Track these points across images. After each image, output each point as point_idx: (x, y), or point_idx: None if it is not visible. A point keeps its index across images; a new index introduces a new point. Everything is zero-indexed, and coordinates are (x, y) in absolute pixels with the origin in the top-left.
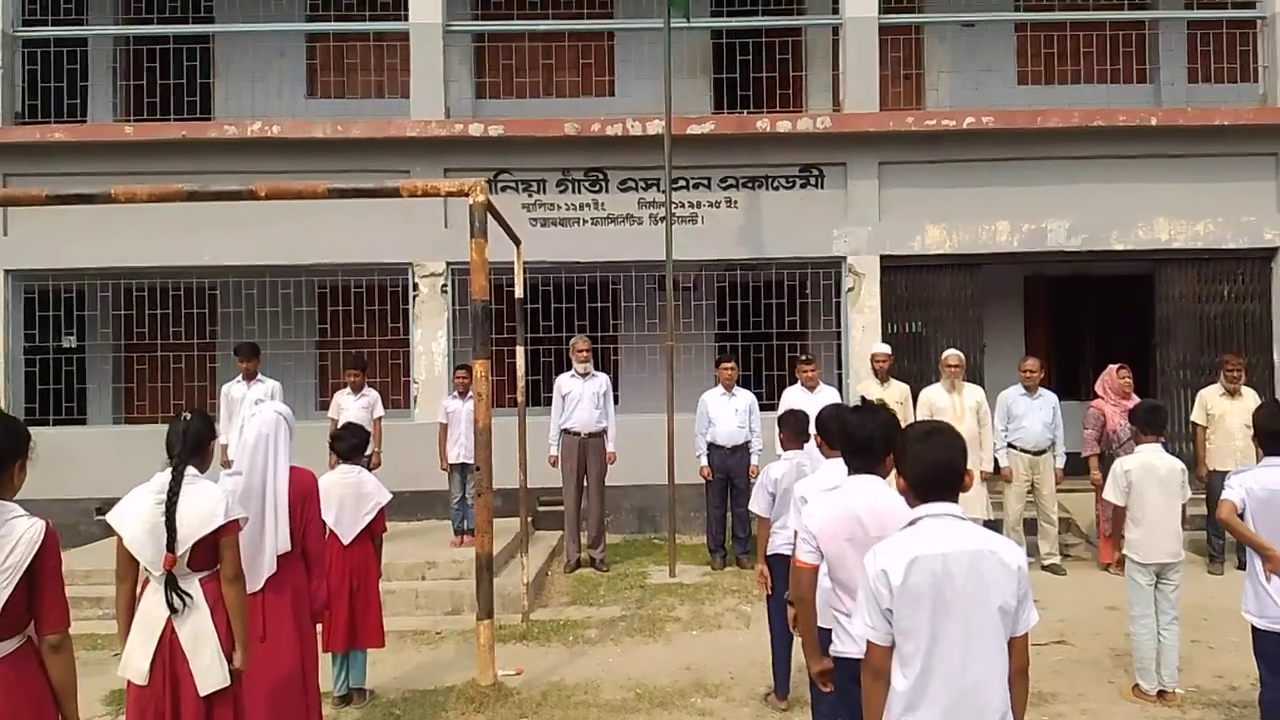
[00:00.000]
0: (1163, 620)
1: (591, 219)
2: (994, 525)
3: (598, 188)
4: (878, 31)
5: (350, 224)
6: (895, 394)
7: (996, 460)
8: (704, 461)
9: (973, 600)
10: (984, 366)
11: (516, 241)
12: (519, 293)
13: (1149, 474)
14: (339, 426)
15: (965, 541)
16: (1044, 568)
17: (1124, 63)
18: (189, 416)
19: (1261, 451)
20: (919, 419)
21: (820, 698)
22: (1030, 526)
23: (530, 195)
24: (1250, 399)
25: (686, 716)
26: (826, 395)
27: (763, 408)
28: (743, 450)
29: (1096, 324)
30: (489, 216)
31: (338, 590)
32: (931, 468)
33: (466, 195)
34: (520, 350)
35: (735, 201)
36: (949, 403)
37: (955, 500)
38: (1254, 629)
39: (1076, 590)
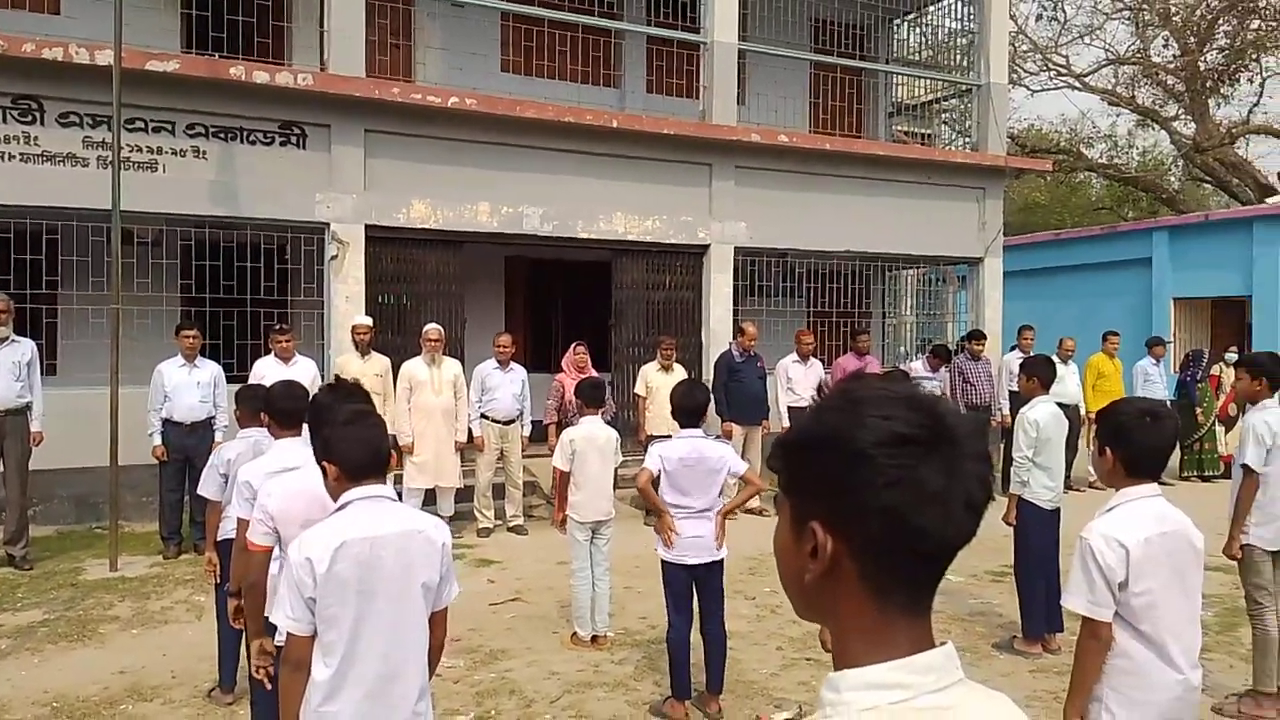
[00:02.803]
0: (597, 571)
1: (21, 155)
2: (466, 491)
3: (30, 119)
4: None
5: None
6: (376, 366)
7: (471, 430)
8: (158, 440)
9: (399, 581)
10: (465, 341)
11: None
12: None
13: (590, 443)
14: None
15: (394, 523)
16: (509, 529)
17: (594, 66)
18: None
19: (679, 424)
20: (399, 392)
21: (261, 691)
22: (499, 491)
23: None
24: (680, 373)
25: None
26: (303, 367)
27: (234, 380)
28: (204, 427)
29: (567, 304)
30: None
31: None
32: (366, 453)
33: None
34: None
35: (205, 152)
36: (429, 376)
37: (384, 481)
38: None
39: (536, 549)
